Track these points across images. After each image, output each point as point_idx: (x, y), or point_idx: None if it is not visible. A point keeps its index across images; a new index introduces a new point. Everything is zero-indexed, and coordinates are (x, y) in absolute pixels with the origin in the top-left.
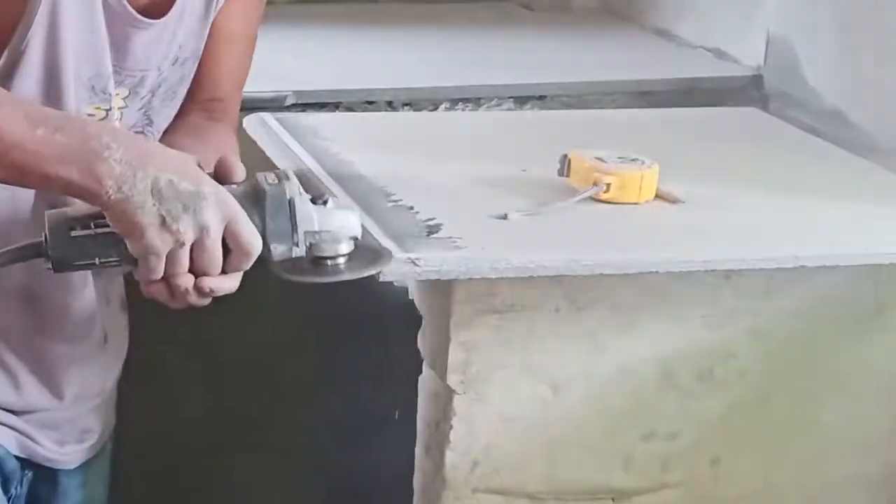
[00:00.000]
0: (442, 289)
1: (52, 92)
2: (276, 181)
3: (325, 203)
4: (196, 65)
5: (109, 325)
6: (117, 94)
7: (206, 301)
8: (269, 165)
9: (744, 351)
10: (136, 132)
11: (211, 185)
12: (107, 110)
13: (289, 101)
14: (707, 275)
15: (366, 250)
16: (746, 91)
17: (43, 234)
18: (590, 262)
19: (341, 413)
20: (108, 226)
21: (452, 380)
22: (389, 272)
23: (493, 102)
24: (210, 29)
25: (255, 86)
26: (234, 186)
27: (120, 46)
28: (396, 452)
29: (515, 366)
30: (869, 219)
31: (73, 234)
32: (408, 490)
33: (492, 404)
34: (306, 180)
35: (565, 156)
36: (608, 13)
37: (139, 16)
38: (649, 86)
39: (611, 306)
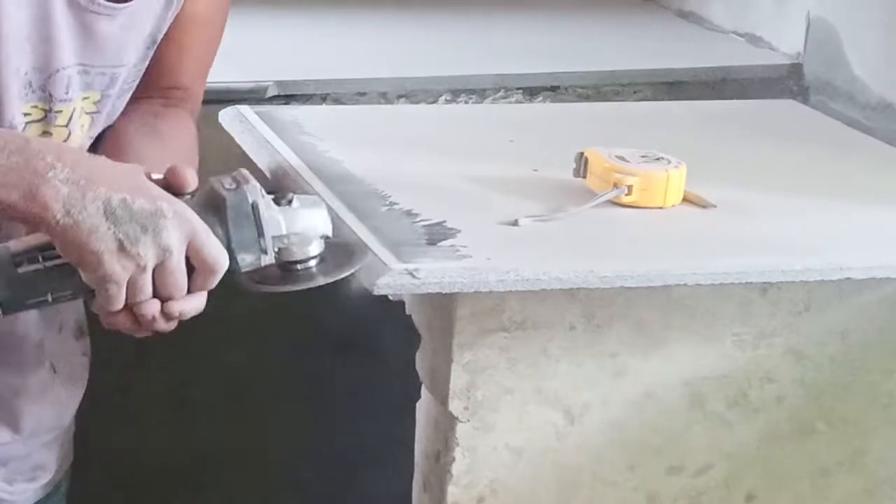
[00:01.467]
0: (443, 304)
1: None
2: (235, 185)
3: (289, 203)
4: (153, 51)
5: (58, 355)
6: (87, 98)
7: (173, 326)
8: (246, 164)
9: (781, 374)
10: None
11: (168, 201)
12: (45, 111)
13: (270, 93)
14: (741, 288)
15: (338, 249)
16: (784, 81)
17: None
18: (609, 274)
19: (327, 444)
20: (58, 256)
21: (455, 406)
22: (384, 285)
23: (499, 94)
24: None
25: (232, 75)
26: (188, 197)
27: (86, 40)
28: (390, 487)
29: (525, 390)
30: None
31: (21, 270)
32: None
33: (499, 433)
34: (267, 178)
35: (582, 154)
36: None
37: (102, 0)
38: (675, 75)
39: (632, 323)
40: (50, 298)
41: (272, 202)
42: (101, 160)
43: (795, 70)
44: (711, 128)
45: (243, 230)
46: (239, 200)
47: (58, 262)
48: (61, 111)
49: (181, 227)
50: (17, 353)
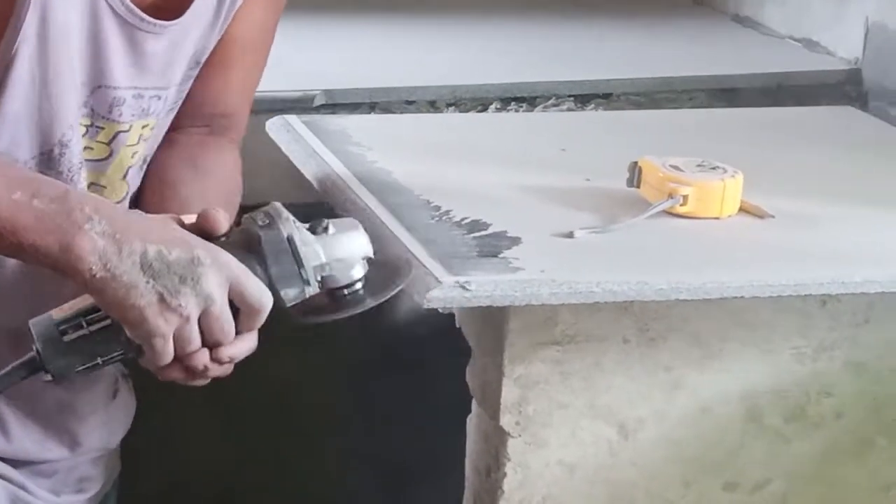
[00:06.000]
0: (494, 317)
1: (45, 107)
2: (268, 221)
3: (325, 230)
4: (196, 71)
5: (121, 378)
6: (146, 126)
7: (229, 370)
8: (294, 174)
9: (841, 387)
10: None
11: (204, 248)
12: (87, 126)
13: (317, 102)
14: (799, 300)
15: (383, 266)
16: (842, 87)
17: (34, 348)
18: (664, 286)
19: (376, 457)
20: (101, 320)
21: (506, 421)
22: (435, 298)
23: (550, 102)
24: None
25: (279, 84)
26: (224, 239)
27: (136, 60)
28: (441, 503)
29: (578, 405)
30: None
31: (66, 339)
32: None
33: (551, 449)
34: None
35: (635, 163)
36: None
37: (150, 18)
38: (730, 82)
39: (688, 336)
40: (100, 361)
41: (308, 232)
42: (134, 214)
43: (853, 76)
44: (768, 135)
45: (282, 265)
46: (274, 236)
47: (102, 324)
48: (103, 128)
49: (220, 272)
50: None
